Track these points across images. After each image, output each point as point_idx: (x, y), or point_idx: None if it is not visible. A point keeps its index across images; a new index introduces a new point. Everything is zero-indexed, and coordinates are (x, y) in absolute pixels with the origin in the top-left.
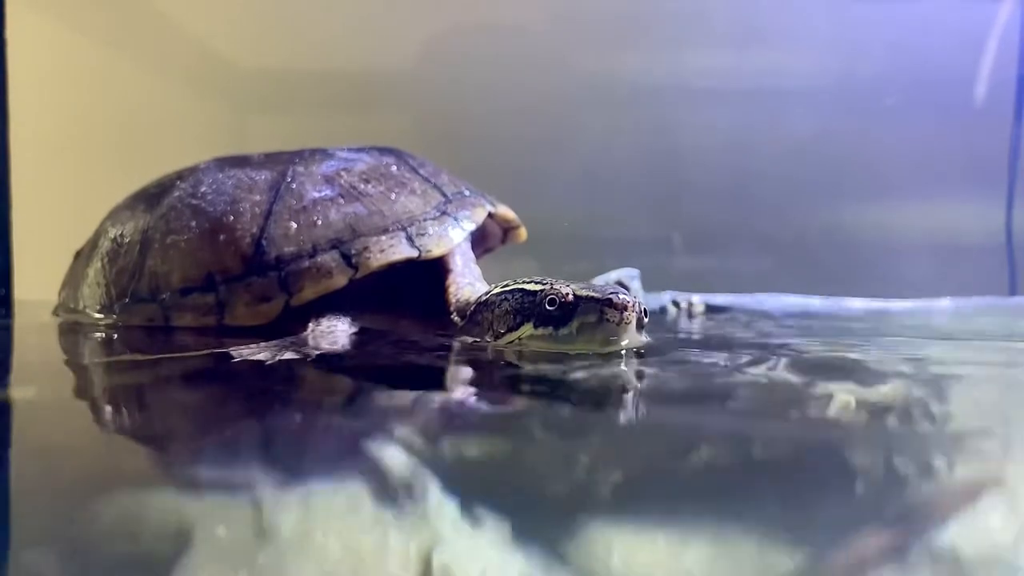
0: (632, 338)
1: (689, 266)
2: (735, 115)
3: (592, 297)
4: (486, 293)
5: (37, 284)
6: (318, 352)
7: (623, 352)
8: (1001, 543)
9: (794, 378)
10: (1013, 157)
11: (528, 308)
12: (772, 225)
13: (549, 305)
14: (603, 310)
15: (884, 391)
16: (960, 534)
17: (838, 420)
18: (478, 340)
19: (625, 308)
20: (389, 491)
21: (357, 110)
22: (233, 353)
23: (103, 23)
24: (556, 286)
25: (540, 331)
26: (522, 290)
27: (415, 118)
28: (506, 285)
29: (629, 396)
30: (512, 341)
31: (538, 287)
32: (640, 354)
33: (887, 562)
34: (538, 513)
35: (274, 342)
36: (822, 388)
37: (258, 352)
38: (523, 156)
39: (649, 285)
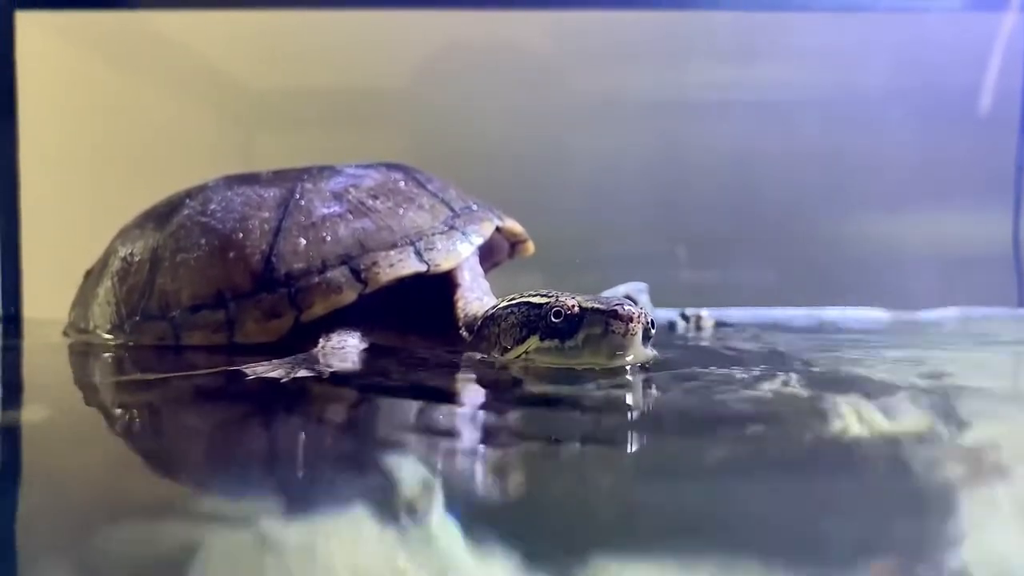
0: (638, 352)
1: (695, 280)
2: (739, 128)
3: (597, 309)
4: (493, 307)
5: (46, 303)
6: (331, 370)
7: (629, 367)
8: (1014, 563)
9: (804, 396)
10: (1019, 167)
11: (534, 321)
12: (779, 238)
13: (555, 317)
14: (608, 322)
15: (895, 408)
16: (973, 555)
17: (849, 441)
18: (486, 356)
19: (631, 319)
20: (396, 520)
21: (363, 127)
22: (247, 371)
23: (111, 44)
24: (562, 298)
25: (546, 343)
26: (528, 303)
27: (421, 134)
28: (512, 299)
29: (636, 418)
30: (519, 355)
31: (544, 299)
32: (647, 369)
33: None
34: (546, 541)
35: (287, 359)
36: (832, 406)
37: (272, 370)
38: (528, 171)
39: (656, 299)
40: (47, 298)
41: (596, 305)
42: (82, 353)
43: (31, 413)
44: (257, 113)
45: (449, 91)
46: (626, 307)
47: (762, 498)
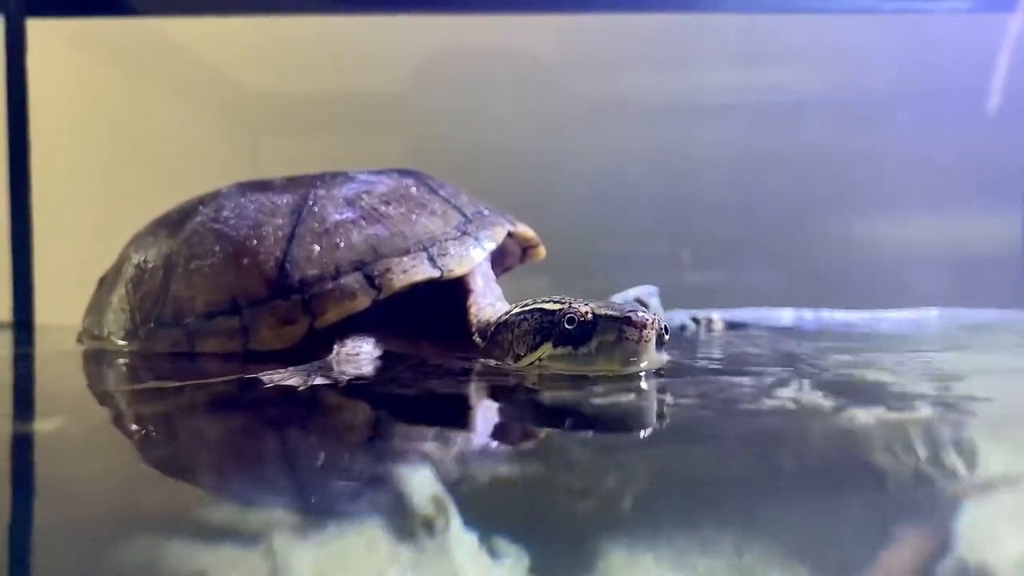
0: (652, 358)
1: (705, 282)
2: (747, 131)
3: (611, 315)
4: (506, 314)
5: (58, 309)
6: (346, 377)
7: (643, 374)
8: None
9: (817, 402)
10: None
11: (547, 327)
12: (788, 239)
13: (568, 324)
14: (622, 328)
15: (905, 410)
16: (987, 547)
17: (860, 440)
18: (499, 363)
19: (644, 326)
20: (408, 528)
21: (368, 131)
22: (264, 379)
23: (120, 51)
24: (575, 305)
25: (559, 350)
26: (541, 309)
27: (426, 139)
28: (525, 305)
29: (648, 423)
30: (532, 362)
31: (557, 306)
32: (660, 375)
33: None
34: (558, 546)
35: (302, 366)
36: (846, 409)
37: (288, 377)
38: (535, 175)
39: (666, 302)
40: (58, 304)
41: (609, 312)
42: (96, 360)
43: (45, 421)
44: (263, 118)
45: (454, 95)
46: (639, 313)
47: (774, 498)
